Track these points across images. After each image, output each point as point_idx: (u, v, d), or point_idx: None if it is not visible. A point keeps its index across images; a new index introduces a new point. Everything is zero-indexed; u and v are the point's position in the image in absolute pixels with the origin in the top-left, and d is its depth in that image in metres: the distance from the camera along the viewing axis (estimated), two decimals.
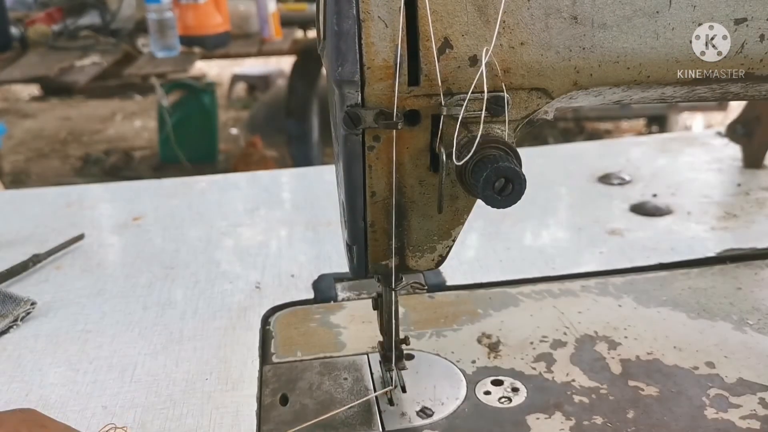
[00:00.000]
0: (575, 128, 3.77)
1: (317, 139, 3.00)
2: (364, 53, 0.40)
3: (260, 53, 2.81)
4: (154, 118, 3.49)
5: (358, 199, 0.46)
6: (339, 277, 0.75)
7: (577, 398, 0.56)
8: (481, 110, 0.42)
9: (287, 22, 2.88)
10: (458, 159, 0.41)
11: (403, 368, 0.56)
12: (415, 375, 0.59)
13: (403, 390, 0.56)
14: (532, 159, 1.06)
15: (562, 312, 0.68)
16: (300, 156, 2.94)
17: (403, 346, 0.62)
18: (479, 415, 0.55)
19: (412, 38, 0.40)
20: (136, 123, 4.07)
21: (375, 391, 0.57)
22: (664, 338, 0.63)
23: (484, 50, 0.40)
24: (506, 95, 0.42)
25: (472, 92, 0.41)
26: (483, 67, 0.40)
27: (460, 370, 0.60)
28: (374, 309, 0.56)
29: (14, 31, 2.68)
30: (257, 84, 4.38)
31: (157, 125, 3.34)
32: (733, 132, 1.00)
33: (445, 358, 0.62)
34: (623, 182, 0.97)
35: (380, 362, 0.58)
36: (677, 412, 0.55)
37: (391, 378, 0.57)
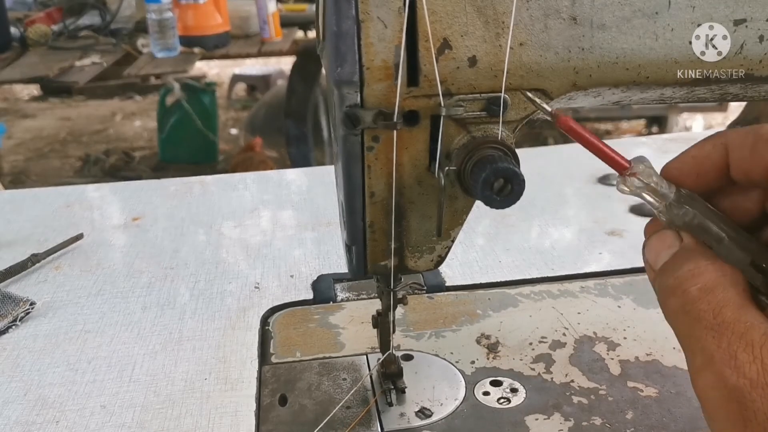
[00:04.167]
0: None
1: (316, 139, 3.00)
2: (363, 54, 0.40)
3: (260, 54, 2.82)
4: (154, 118, 3.49)
5: (357, 199, 0.46)
6: (338, 278, 0.75)
7: (576, 399, 0.56)
8: (480, 111, 0.42)
9: (287, 22, 2.89)
10: (457, 159, 0.41)
11: (403, 388, 0.56)
12: (414, 375, 0.59)
13: (402, 391, 0.56)
14: (532, 159, 1.06)
15: (561, 313, 0.68)
16: (298, 157, 2.94)
17: (401, 351, 0.62)
18: (478, 415, 0.55)
19: (411, 39, 0.40)
20: (136, 123, 4.07)
21: (374, 393, 0.57)
22: (664, 339, 0.63)
23: (483, 51, 0.40)
24: (505, 96, 0.42)
25: (471, 93, 0.41)
26: (482, 67, 0.40)
27: (459, 370, 0.60)
28: (374, 327, 0.55)
29: (14, 31, 2.69)
30: (257, 84, 4.38)
31: (156, 125, 3.34)
32: None
33: (444, 359, 0.61)
34: None
35: (380, 375, 0.58)
36: (676, 413, 0.55)
37: (389, 393, 0.57)
